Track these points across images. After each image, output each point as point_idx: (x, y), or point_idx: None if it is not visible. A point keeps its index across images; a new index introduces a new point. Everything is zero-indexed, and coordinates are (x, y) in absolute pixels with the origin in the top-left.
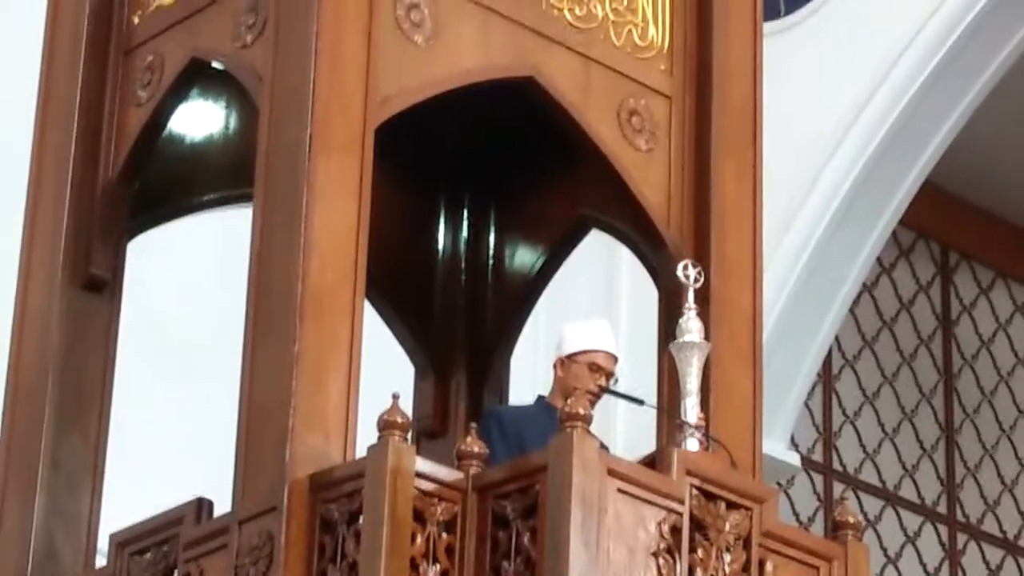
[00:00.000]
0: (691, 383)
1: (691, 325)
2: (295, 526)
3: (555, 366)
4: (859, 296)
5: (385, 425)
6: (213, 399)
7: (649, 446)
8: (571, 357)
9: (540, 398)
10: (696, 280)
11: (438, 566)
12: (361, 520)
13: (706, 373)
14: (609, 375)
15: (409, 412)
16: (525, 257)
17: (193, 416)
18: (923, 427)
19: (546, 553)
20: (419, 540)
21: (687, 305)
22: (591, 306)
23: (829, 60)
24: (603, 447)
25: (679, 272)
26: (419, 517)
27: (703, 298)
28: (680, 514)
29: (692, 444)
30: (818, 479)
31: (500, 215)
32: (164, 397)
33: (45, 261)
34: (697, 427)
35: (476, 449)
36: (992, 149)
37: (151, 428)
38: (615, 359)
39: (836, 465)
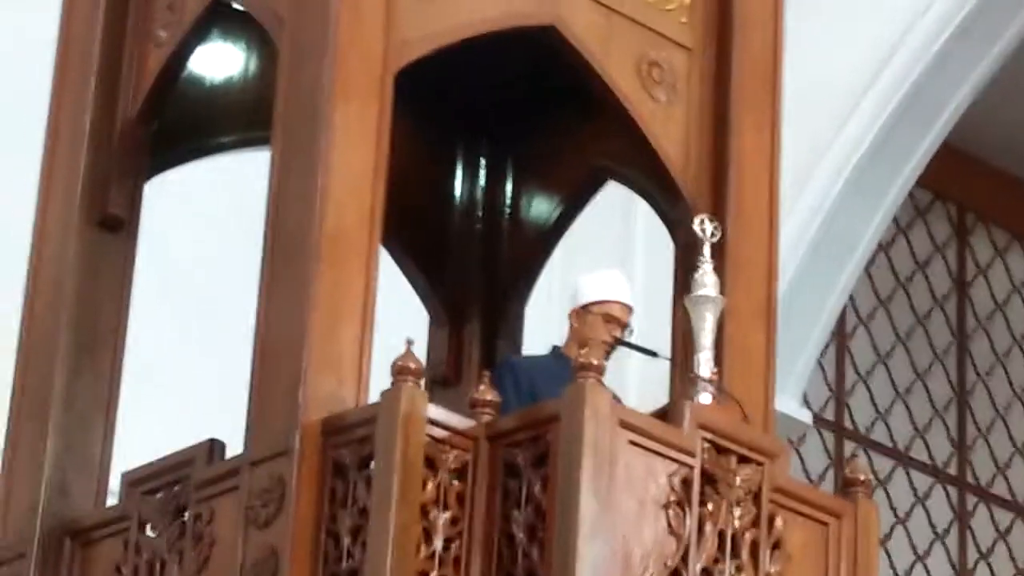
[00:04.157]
0: (705, 337)
1: (706, 279)
2: (306, 469)
3: (570, 317)
4: (875, 255)
5: (399, 371)
6: (227, 341)
7: (662, 399)
8: (586, 307)
9: (555, 348)
10: (713, 235)
11: (448, 513)
12: (372, 465)
13: (720, 328)
14: (624, 326)
15: (423, 359)
16: (541, 207)
17: (207, 358)
18: (935, 388)
19: (556, 503)
20: (430, 487)
21: (703, 259)
22: (607, 258)
23: (850, 17)
24: (616, 399)
25: (696, 226)
26: (430, 464)
27: (719, 253)
28: (691, 467)
29: (704, 398)
30: (829, 437)
31: (517, 165)
32: (179, 338)
33: (62, 200)
34: (710, 381)
35: (489, 397)
36: (1011, 111)
37: (165, 369)
38: (630, 310)
39: (847, 424)
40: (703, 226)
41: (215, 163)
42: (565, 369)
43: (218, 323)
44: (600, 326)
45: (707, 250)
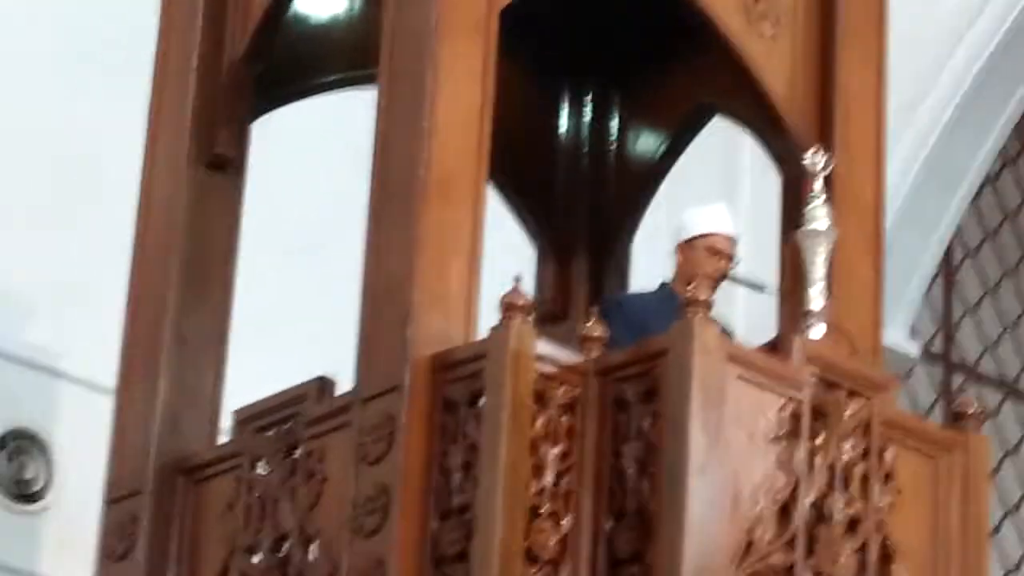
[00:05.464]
0: (816, 271)
1: (818, 212)
2: (416, 406)
3: (675, 252)
4: (981, 187)
5: (507, 307)
6: (336, 279)
7: (769, 333)
8: (690, 242)
9: (663, 284)
10: (824, 167)
11: (558, 448)
12: (482, 401)
13: (828, 262)
14: (729, 257)
15: (530, 295)
16: (647, 142)
17: (316, 295)
18: None
19: (666, 437)
20: (540, 422)
21: (814, 192)
22: (713, 193)
23: None
24: (727, 332)
25: (807, 159)
26: (540, 399)
27: (826, 187)
28: (800, 401)
29: (816, 332)
30: (937, 370)
31: (623, 100)
32: (288, 276)
33: (170, 140)
34: (822, 315)
35: (597, 333)
36: None
37: (277, 307)
38: (734, 242)
39: (955, 357)
40: (814, 158)
41: (322, 102)
42: (673, 305)
43: (327, 261)
44: (705, 259)
45: (818, 183)
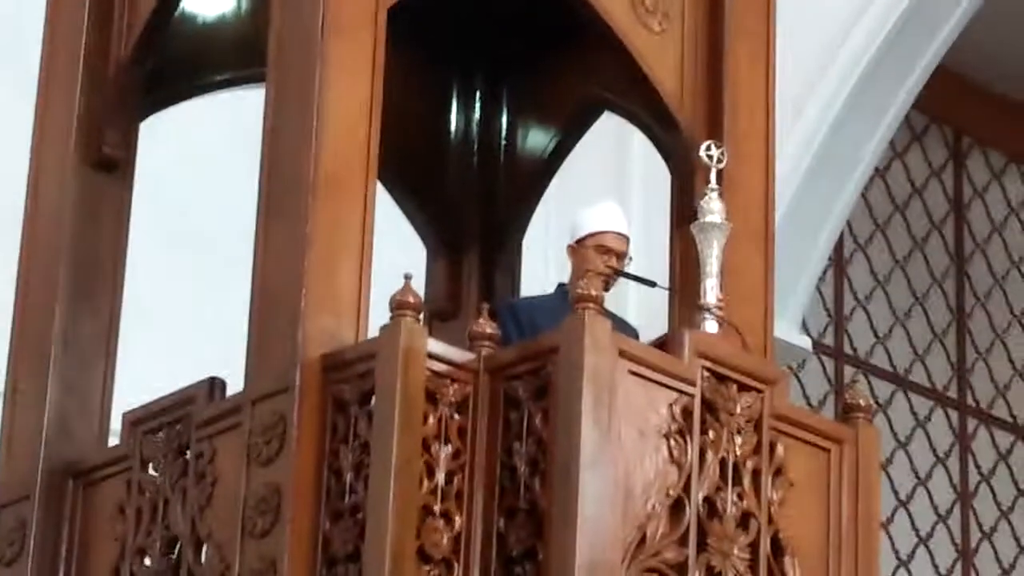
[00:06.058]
0: (711, 264)
1: (713, 206)
2: (307, 406)
3: (568, 252)
4: (871, 180)
5: (397, 305)
6: (227, 280)
7: (661, 329)
8: (581, 241)
9: (560, 286)
10: (719, 161)
11: (450, 447)
12: (373, 400)
13: None
14: (620, 255)
15: (421, 294)
16: (537, 139)
17: (206, 296)
18: (934, 311)
19: (557, 434)
20: (431, 421)
21: (710, 186)
22: (603, 190)
23: None
24: (631, 329)
25: (702, 152)
26: (431, 398)
27: (719, 180)
28: (691, 396)
29: (711, 326)
30: (829, 363)
31: (512, 96)
32: (177, 278)
33: (58, 142)
34: (717, 308)
35: (488, 330)
36: (1007, 34)
37: (165, 308)
38: (626, 239)
39: (847, 349)
40: (709, 152)
41: (211, 101)
42: (568, 306)
43: (216, 262)
44: (595, 258)
45: (713, 176)
